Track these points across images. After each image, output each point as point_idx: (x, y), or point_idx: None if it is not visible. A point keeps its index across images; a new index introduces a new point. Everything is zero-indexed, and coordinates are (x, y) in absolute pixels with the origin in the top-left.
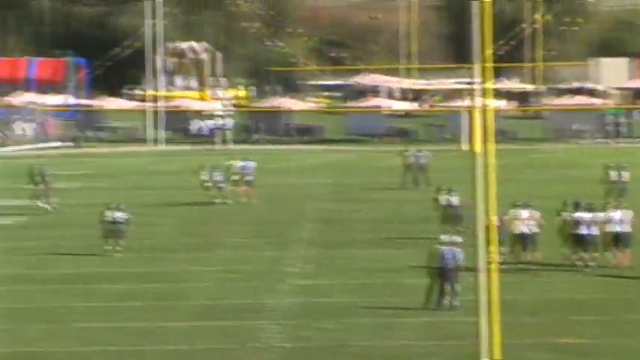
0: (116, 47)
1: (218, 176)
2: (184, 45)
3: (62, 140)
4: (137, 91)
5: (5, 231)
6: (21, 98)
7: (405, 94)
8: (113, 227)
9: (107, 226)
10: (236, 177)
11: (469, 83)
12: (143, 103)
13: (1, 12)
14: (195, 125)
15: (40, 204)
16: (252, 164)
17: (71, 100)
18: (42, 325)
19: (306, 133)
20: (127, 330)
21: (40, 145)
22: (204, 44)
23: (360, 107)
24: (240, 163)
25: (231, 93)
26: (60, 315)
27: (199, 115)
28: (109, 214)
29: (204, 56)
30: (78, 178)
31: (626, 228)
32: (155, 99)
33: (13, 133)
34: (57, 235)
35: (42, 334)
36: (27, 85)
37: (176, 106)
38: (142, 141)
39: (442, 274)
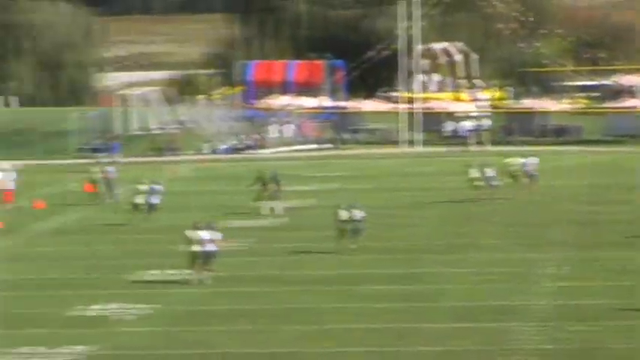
0: (371, 50)
1: (490, 173)
2: (438, 46)
3: (318, 142)
4: (392, 93)
5: (260, 232)
6: (278, 101)
7: None
8: (350, 226)
9: (343, 225)
10: (516, 173)
11: None
12: (398, 105)
13: (259, 16)
14: (449, 127)
15: (270, 207)
16: (534, 160)
17: (327, 102)
18: (296, 326)
19: (561, 134)
20: (381, 331)
21: (297, 147)
22: (459, 45)
23: (617, 108)
24: (520, 160)
25: (487, 94)
26: (313, 316)
27: (452, 116)
28: (344, 214)
29: (458, 57)
30: (334, 179)
31: None
32: (410, 101)
33: (269, 136)
34: (308, 236)
35: (296, 335)
36: (284, 88)
37: (429, 108)
38: (398, 143)
39: None
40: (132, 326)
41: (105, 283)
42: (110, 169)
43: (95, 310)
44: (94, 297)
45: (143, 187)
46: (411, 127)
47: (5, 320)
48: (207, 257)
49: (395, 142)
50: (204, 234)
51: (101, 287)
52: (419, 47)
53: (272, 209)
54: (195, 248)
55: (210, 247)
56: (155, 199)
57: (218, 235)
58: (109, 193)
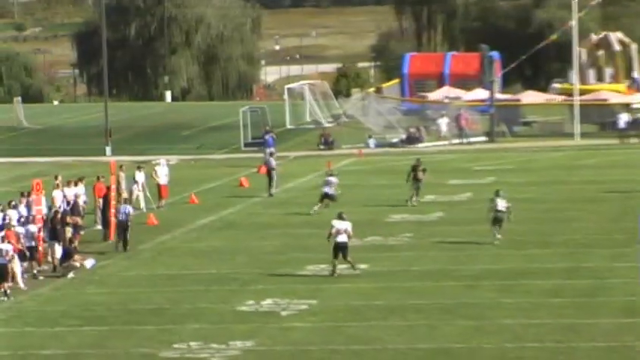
0: (535, 41)
1: None
2: (612, 36)
3: (478, 135)
4: (558, 85)
5: (418, 226)
6: (438, 93)
7: None
8: (497, 215)
9: (499, 215)
10: None
11: None
12: (562, 97)
13: (419, 7)
14: (623, 119)
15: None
16: None
17: (485, 94)
18: (464, 321)
19: None
20: (552, 326)
21: (454, 140)
22: (620, 35)
23: None
24: None
25: None
26: (482, 311)
27: (627, 108)
28: (501, 203)
29: (620, 48)
30: (493, 173)
31: None
32: (579, 92)
33: (430, 129)
34: (465, 230)
35: (464, 330)
36: (443, 80)
37: (599, 99)
38: (563, 135)
39: None
40: (300, 321)
41: (271, 277)
42: (271, 161)
43: (265, 305)
44: (261, 292)
45: (331, 179)
46: (578, 119)
47: (175, 315)
48: (344, 249)
49: (560, 135)
50: (341, 224)
51: (268, 282)
52: (592, 37)
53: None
54: (340, 239)
55: (342, 238)
56: (331, 190)
57: (348, 226)
58: (271, 185)
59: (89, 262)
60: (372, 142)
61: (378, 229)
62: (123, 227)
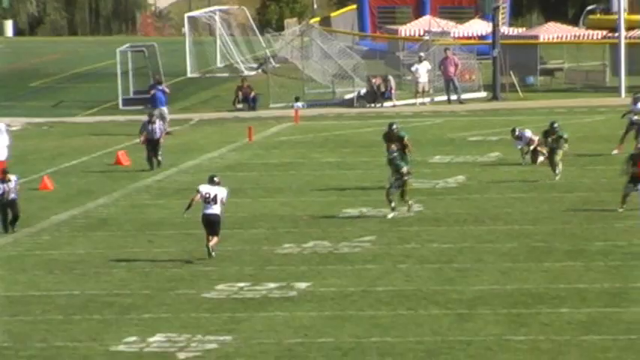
0: None
1: None
2: None
3: (475, 89)
4: (593, 15)
5: None
6: (414, 25)
7: None
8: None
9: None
10: None
11: None
12: (607, 33)
13: None
14: None
15: None
16: None
17: (483, 28)
18: None
19: None
20: None
21: (442, 97)
22: None
23: None
24: None
25: None
26: (480, 353)
27: None
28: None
29: None
30: (497, 145)
31: None
32: (621, 27)
33: (403, 79)
34: (466, 231)
35: None
36: (423, 6)
37: None
38: (604, 90)
39: None
40: None
41: (164, 302)
42: (156, 128)
43: (154, 343)
44: (149, 324)
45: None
46: (623, 66)
47: (18, 359)
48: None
49: (597, 89)
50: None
51: (160, 309)
52: None
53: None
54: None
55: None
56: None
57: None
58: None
59: None
60: (300, 104)
61: (326, 231)
62: (12, 206)
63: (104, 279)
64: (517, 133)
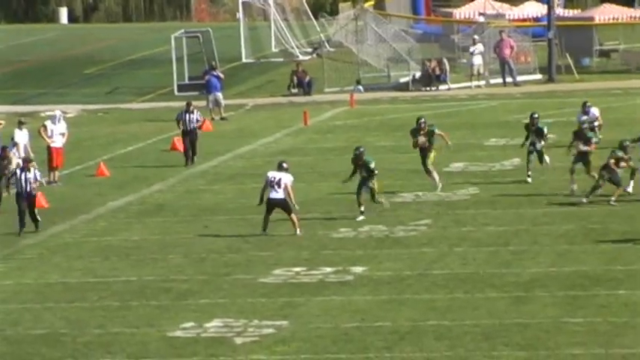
0: None
1: None
2: None
3: (530, 72)
4: None
5: None
6: (469, 8)
7: None
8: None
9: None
10: None
11: None
12: None
13: None
14: None
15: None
16: None
17: (538, 10)
18: (509, 352)
19: None
20: None
21: (497, 79)
22: None
23: None
24: None
25: None
26: (537, 335)
27: None
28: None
29: None
30: (553, 127)
31: None
32: None
33: (457, 62)
34: (521, 214)
35: None
36: None
37: None
38: None
39: None
40: (263, 352)
41: (220, 287)
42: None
43: (211, 328)
44: (206, 309)
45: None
46: None
47: (77, 345)
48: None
49: None
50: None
51: (216, 294)
52: None
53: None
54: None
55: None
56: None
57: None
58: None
59: None
60: (361, 87)
61: (381, 215)
62: (29, 201)
63: (160, 265)
64: (587, 107)
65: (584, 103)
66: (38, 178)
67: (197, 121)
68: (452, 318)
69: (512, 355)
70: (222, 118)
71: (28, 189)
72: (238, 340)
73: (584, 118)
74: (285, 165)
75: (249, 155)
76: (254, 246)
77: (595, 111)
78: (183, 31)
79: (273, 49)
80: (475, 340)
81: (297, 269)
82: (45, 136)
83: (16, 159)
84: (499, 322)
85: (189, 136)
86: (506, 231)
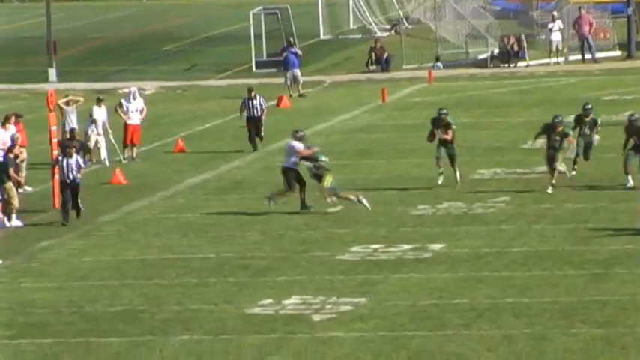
0: None
1: None
2: None
3: (609, 48)
4: None
5: None
6: None
7: None
8: None
9: None
10: None
11: None
12: None
13: None
14: None
15: None
16: None
17: None
18: (588, 329)
19: None
20: None
21: (576, 56)
22: None
23: None
24: None
25: None
26: (616, 313)
27: None
28: None
29: None
30: (632, 104)
31: None
32: None
33: (536, 39)
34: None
35: (589, 344)
36: None
37: None
38: None
39: None
40: (342, 329)
41: (298, 264)
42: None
43: (289, 305)
44: (284, 286)
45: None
46: None
47: (155, 321)
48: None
49: None
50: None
51: (294, 271)
52: None
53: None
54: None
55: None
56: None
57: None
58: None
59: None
60: (440, 64)
61: (459, 192)
62: (73, 189)
63: (238, 242)
64: None
65: None
66: (81, 164)
67: (261, 106)
68: (530, 295)
69: (590, 332)
70: (299, 95)
71: (71, 176)
72: (316, 317)
73: None
74: (299, 134)
75: (327, 132)
76: (332, 223)
77: None
78: (261, 7)
79: (352, 26)
80: (553, 317)
81: (375, 246)
82: (121, 114)
83: (94, 136)
84: (577, 299)
85: (254, 122)
86: (585, 208)
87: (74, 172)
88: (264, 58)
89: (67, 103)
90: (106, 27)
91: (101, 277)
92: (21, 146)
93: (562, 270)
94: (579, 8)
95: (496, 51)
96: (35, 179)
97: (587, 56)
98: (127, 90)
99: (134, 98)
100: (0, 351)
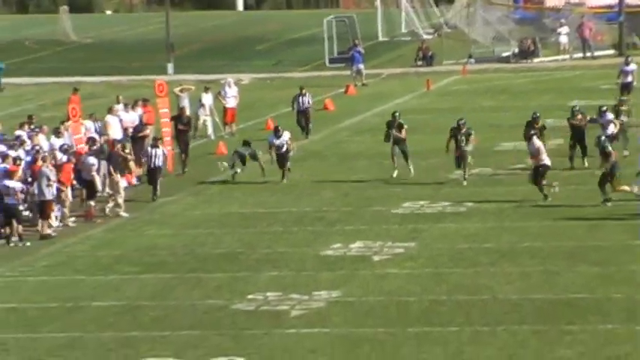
0: None
1: None
2: None
3: (604, 48)
4: None
5: None
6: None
7: None
8: None
9: None
10: None
11: None
12: None
13: None
14: None
15: None
16: None
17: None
18: (587, 267)
19: None
20: None
21: (579, 54)
22: None
23: None
24: None
25: None
26: (609, 255)
27: None
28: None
29: None
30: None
31: None
32: None
33: (547, 40)
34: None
35: (588, 279)
36: None
37: None
38: None
39: None
40: (395, 267)
41: (362, 216)
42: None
43: (354, 248)
44: (350, 234)
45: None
46: None
47: (249, 261)
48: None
49: None
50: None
51: (358, 222)
52: None
53: None
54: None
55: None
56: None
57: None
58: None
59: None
60: (473, 60)
61: (486, 159)
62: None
63: (315, 199)
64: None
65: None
66: (166, 154)
67: (308, 102)
68: (542, 241)
69: (589, 270)
70: (363, 85)
71: (158, 163)
72: (376, 258)
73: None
74: (279, 128)
75: (384, 113)
76: (388, 184)
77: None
78: (333, 16)
79: (403, 30)
80: (560, 258)
81: (422, 202)
82: (221, 99)
83: (203, 116)
84: (578, 244)
85: (303, 114)
86: (586, 173)
87: (159, 160)
88: (335, 55)
89: (181, 91)
90: (212, 31)
91: (208, 226)
92: (147, 123)
93: (567, 221)
94: (582, 17)
95: (516, 50)
96: None
97: (588, 54)
98: (225, 80)
99: (229, 87)
100: (130, 283)
